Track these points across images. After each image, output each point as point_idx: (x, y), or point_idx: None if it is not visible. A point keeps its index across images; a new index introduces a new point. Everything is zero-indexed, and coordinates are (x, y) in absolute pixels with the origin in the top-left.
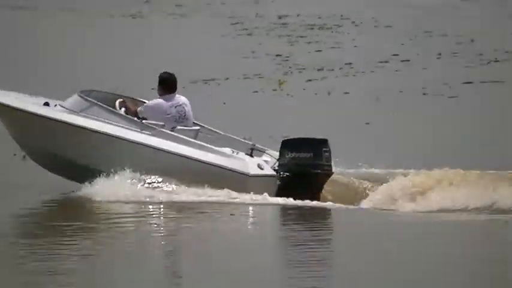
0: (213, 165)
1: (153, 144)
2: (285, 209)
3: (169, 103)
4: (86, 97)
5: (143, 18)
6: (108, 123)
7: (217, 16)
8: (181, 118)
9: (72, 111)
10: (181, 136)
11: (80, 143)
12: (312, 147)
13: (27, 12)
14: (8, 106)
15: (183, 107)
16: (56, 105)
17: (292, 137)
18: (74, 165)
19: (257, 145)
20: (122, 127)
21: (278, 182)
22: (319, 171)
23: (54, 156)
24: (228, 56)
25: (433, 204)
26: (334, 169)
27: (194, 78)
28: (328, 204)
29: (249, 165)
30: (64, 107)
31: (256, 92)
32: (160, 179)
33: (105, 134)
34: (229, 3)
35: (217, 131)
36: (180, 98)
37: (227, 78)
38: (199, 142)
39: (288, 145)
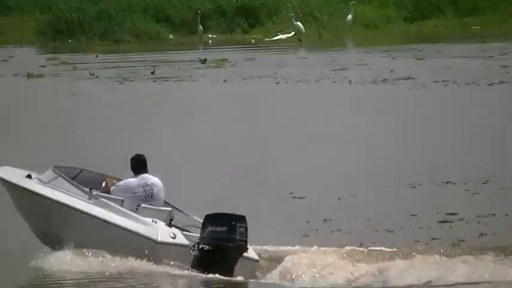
0: (123, 228)
1: (80, 208)
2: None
3: (137, 183)
4: (55, 170)
5: None
6: (62, 191)
7: None
8: (147, 197)
9: (41, 181)
10: (111, 203)
11: (38, 209)
12: (227, 222)
13: None
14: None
15: (151, 187)
16: (35, 178)
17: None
18: (42, 233)
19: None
20: (72, 196)
21: (196, 254)
22: (231, 244)
23: (29, 224)
24: None
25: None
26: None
27: None
28: (237, 279)
29: (160, 232)
30: (38, 179)
31: None
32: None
33: (47, 198)
34: None
35: (188, 213)
36: (150, 179)
37: None
38: (125, 210)
39: (208, 219)
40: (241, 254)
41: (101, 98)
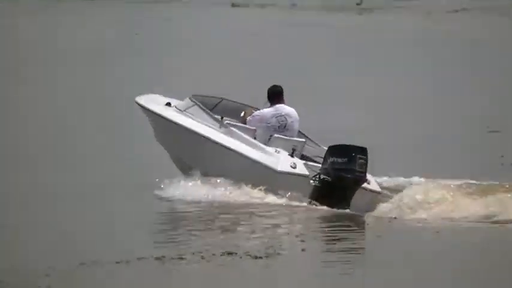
0: (245, 157)
1: (208, 135)
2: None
3: (271, 113)
4: (191, 98)
5: None
6: (195, 119)
7: None
8: (281, 128)
9: (178, 109)
10: (240, 133)
11: (171, 136)
12: (348, 153)
13: None
14: (140, 105)
15: (285, 118)
16: (173, 106)
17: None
18: (176, 159)
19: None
20: (205, 124)
21: (316, 184)
22: (350, 175)
23: (166, 150)
24: None
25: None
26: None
27: None
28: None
29: (280, 162)
30: (176, 107)
31: None
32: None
33: (179, 125)
34: None
35: (320, 145)
36: (285, 109)
37: None
38: (251, 140)
39: (330, 150)
40: (359, 186)
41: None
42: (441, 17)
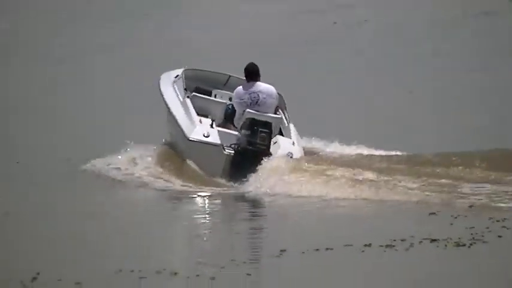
0: (175, 120)
1: (168, 101)
2: None
3: (245, 90)
4: (182, 73)
5: None
6: (174, 90)
7: None
8: (252, 104)
9: (171, 81)
10: (189, 105)
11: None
12: (252, 126)
13: None
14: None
15: (258, 94)
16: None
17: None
18: None
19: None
20: (177, 94)
21: (229, 153)
22: (251, 147)
23: None
24: None
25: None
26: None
27: None
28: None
29: (194, 130)
30: (174, 80)
31: None
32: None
33: (161, 93)
34: None
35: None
36: (260, 86)
37: None
38: (192, 112)
39: (245, 123)
40: (260, 158)
41: None
42: None
